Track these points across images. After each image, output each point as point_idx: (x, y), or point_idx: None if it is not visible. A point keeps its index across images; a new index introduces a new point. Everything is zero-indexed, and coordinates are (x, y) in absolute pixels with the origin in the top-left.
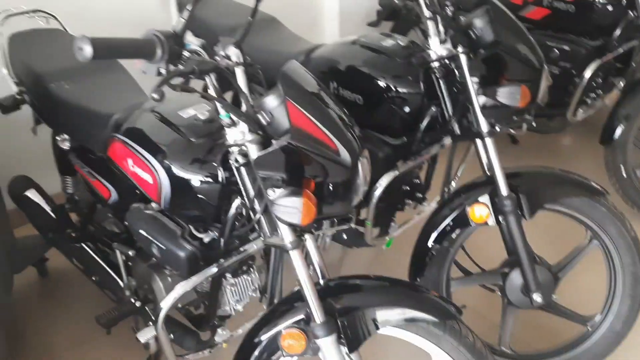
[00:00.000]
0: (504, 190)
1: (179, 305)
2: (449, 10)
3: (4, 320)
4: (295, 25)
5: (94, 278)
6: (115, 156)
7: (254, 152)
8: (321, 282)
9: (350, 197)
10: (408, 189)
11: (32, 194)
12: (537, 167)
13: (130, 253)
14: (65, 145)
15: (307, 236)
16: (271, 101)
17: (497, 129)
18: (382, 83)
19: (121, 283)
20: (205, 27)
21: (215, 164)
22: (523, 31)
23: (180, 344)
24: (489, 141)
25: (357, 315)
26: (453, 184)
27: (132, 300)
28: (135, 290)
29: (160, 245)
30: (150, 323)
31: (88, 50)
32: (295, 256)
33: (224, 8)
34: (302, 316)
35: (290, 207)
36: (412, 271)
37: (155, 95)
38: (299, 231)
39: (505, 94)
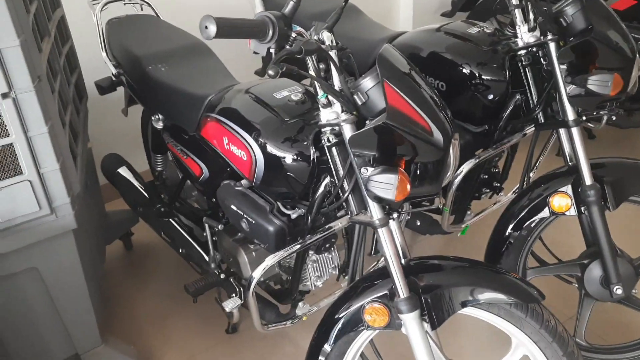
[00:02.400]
0: (588, 180)
1: (261, 279)
2: None
3: (99, 286)
4: (369, 15)
5: (180, 251)
6: (208, 135)
7: (348, 132)
8: (402, 261)
9: (440, 178)
10: (486, 177)
11: (123, 171)
12: (622, 158)
13: (219, 227)
14: (159, 125)
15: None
16: (368, 82)
17: (583, 118)
18: (466, 70)
19: (206, 256)
20: None
21: (307, 143)
22: (615, 18)
23: (261, 315)
24: (574, 130)
25: (440, 293)
26: (530, 174)
27: (217, 273)
28: (219, 264)
29: (250, 220)
30: (234, 294)
31: (212, 29)
32: (382, 233)
33: None
34: (385, 292)
35: (386, 183)
36: (488, 258)
37: (272, 72)
38: (387, 210)
39: (597, 82)
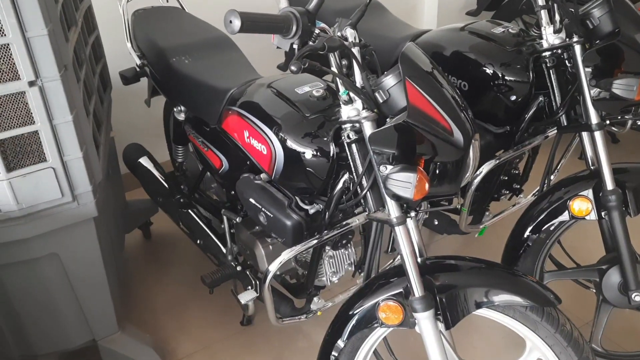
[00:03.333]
0: (609, 184)
1: (277, 273)
2: None
3: (117, 274)
4: (393, 12)
5: (198, 242)
6: (229, 128)
7: (368, 129)
8: (419, 260)
9: (459, 178)
10: (506, 179)
11: (144, 161)
12: None
13: (237, 220)
14: (181, 117)
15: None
16: (390, 80)
17: (607, 122)
18: (489, 70)
19: (223, 248)
20: None
21: (327, 139)
22: None
23: (276, 309)
24: (597, 134)
25: (455, 293)
26: (551, 176)
27: (233, 265)
28: (236, 256)
29: (268, 214)
30: (250, 287)
31: (237, 24)
32: (399, 232)
33: None
34: (400, 290)
35: (404, 182)
36: (505, 260)
37: (294, 68)
38: (405, 208)
39: (622, 86)
